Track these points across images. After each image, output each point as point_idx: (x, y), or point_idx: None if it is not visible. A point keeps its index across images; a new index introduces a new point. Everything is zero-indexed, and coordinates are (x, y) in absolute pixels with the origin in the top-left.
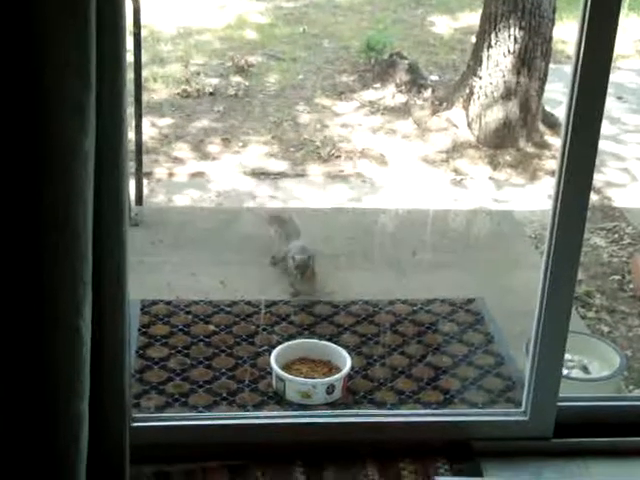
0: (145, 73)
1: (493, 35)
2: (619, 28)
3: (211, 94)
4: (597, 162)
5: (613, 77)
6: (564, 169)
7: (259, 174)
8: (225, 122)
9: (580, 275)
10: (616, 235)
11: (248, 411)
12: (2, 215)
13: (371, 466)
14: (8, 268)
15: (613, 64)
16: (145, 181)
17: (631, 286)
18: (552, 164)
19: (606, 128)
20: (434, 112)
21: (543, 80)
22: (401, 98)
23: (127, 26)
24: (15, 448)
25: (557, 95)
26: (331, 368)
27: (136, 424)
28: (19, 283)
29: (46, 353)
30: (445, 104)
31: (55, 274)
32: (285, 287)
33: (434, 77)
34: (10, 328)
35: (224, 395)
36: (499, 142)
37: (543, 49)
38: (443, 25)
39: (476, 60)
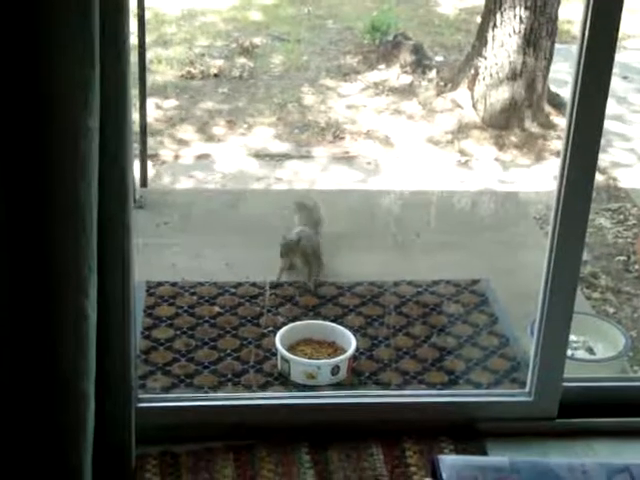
0: (149, 55)
1: (498, 15)
2: (626, 7)
3: (215, 76)
4: (603, 142)
5: (619, 57)
6: (569, 149)
7: (264, 156)
8: (230, 104)
9: (585, 256)
10: (621, 216)
11: (253, 392)
12: (8, 196)
13: (376, 446)
14: (13, 249)
15: (619, 43)
16: (150, 163)
17: (636, 267)
18: (558, 144)
19: (612, 108)
20: (439, 93)
21: (549, 60)
22: (406, 79)
23: (131, 7)
24: (21, 427)
25: (563, 75)
26: (336, 349)
27: (142, 405)
28: (25, 264)
29: (52, 333)
30: (450, 85)
31: (60, 255)
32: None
33: (439, 58)
34: (17, 309)
35: (229, 376)
36: (504, 123)
37: (549, 29)
38: (448, 5)
39: (481, 40)
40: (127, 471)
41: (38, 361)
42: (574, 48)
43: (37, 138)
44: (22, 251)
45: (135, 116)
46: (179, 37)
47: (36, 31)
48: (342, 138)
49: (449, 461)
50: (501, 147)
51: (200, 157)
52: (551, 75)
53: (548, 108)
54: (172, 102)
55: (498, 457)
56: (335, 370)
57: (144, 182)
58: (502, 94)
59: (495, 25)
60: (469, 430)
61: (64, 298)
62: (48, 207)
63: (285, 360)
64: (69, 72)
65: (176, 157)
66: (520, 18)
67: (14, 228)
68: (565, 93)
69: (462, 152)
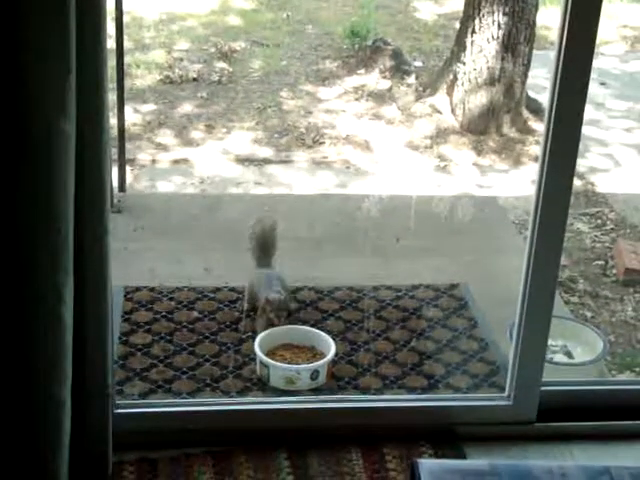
0: (128, 59)
1: (477, 21)
2: (603, 14)
3: (194, 80)
4: (581, 148)
5: (597, 63)
6: (547, 154)
7: (243, 160)
8: (209, 108)
9: (564, 260)
10: (599, 220)
11: (232, 397)
12: None
13: (355, 451)
14: None
15: (597, 50)
16: (128, 168)
17: (614, 271)
18: (536, 150)
19: (590, 114)
20: (418, 98)
21: (527, 66)
22: (385, 84)
23: (108, 10)
24: None
25: (541, 81)
26: (315, 354)
27: (119, 411)
28: None
29: (28, 339)
30: (429, 90)
31: (36, 259)
32: None
33: (418, 63)
34: None
35: (208, 381)
36: (483, 128)
37: (527, 35)
38: (427, 11)
39: (460, 46)
40: (104, 478)
41: (13, 366)
42: (552, 54)
43: (12, 140)
44: None
45: (113, 120)
46: (158, 41)
47: (12, 34)
48: (321, 143)
49: (428, 465)
50: (479, 152)
51: (179, 161)
52: (529, 81)
53: (526, 113)
54: (150, 106)
55: (478, 461)
56: (314, 375)
57: (122, 187)
58: (480, 99)
59: (474, 31)
60: (448, 434)
61: (40, 303)
62: (23, 211)
63: (264, 365)
64: (45, 75)
65: (154, 161)
66: (498, 24)
67: None
68: (543, 98)
69: (441, 157)
